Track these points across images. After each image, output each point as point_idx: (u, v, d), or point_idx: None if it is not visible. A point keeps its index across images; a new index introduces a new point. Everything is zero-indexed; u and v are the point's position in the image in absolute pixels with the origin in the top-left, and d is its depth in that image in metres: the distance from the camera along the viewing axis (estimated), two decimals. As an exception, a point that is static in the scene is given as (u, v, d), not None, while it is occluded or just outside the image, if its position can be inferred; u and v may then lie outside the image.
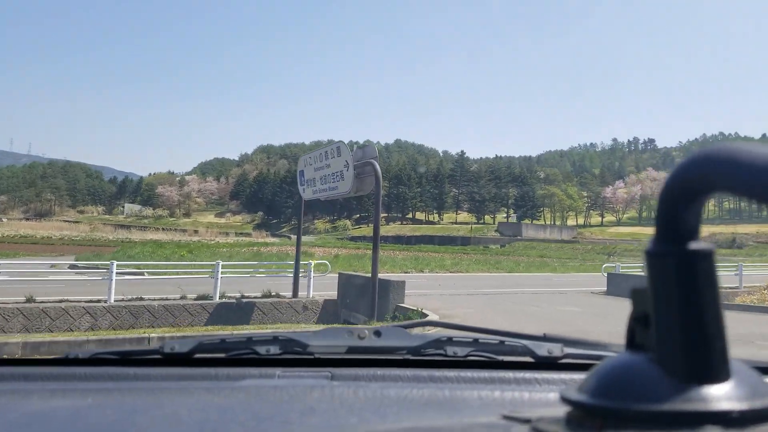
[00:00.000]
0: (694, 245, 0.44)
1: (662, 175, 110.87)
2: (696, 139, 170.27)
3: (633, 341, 0.49)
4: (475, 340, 1.24)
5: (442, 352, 1.20)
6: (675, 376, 0.44)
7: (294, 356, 1.20)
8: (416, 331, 1.31)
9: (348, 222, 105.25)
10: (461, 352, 1.20)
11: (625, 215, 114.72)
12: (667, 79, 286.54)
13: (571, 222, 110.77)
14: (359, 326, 1.30)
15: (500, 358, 1.19)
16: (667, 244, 0.45)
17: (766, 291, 15.14)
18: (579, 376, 0.52)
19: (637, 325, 0.49)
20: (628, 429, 0.43)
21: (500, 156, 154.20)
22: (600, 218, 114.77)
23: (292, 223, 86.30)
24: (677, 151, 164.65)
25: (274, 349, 1.21)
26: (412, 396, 0.90)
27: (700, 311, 0.44)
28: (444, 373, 1.07)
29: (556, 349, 1.17)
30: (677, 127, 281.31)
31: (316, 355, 1.20)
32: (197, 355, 1.19)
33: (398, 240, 68.90)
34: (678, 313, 0.44)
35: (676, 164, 0.45)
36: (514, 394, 0.92)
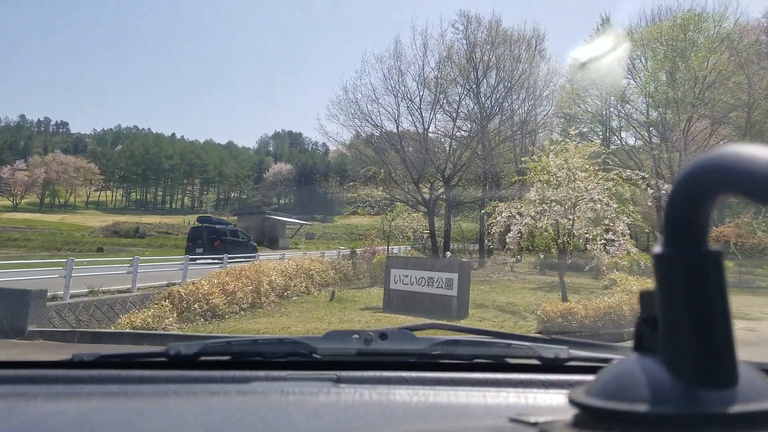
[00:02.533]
0: (703, 248, 0.44)
1: (71, 160, 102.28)
2: (111, 128, 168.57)
3: (641, 344, 0.49)
4: (482, 343, 1.23)
5: (448, 354, 1.18)
6: (683, 378, 0.44)
7: (300, 359, 1.18)
8: (422, 333, 1.28)
9: None
10: (468, 354, 1.18)
11: (24, 200, 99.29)
12: (87, 68, 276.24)
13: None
14: (365, 329, 1.22)
15: (507, 360, 1.18)
16: (676, 247, 0.44)
17: (163, 304, 10.08)
18: (586, 379, 0.53)
19: (645, 327, 0.48)
20: None
21: None
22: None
23: None
24: (90, 138, 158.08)
25: (280, 352, 1.19)
26: (419, 399, 0.91)
27: (709, 314, 0.43)
28: (451, 376, 1.05)
29: (563, 352, 1.14)
30: (93, 114, 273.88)
31: (323, 358, 1.17)
32: (203, 358, 1.17)
33: None
34: (687, 315, 0.44)
35: (684, 168, 0.45)
36: (521, 396, 0.93)
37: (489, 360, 1.16)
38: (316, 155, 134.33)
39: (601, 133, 32.72)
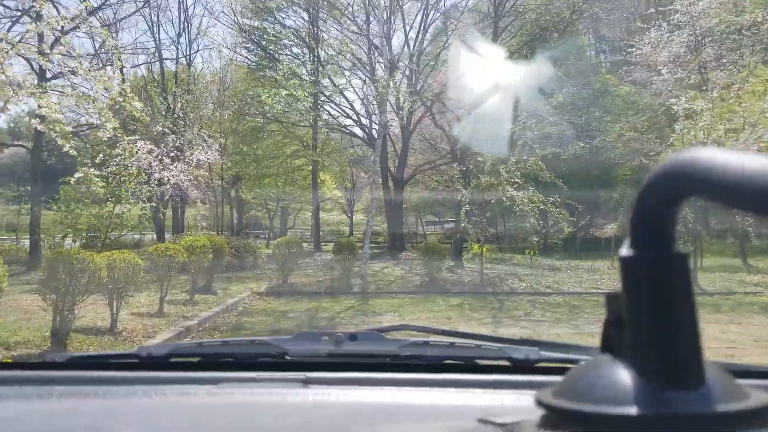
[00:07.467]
0: (669, 250, 0.44)
1: None
2: None
3: (608, 345, 0.49)
4: (452, 344, 1.23)
5: (418, 356, 1.17)
6: (650, 379, 0.43)
7: (270, 360, 1.18)
8: (392, 335, 1.28)
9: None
10: (438, 356, 1.18)
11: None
12: None
13: None
14: (336, 331, 1.23)
15: (477, 361, 1.17)
16: (642, 249, 0.45)
17: None
18: (555, 380, 0.55)
19: (612, 329, 0.49)
20: None
21: None
22: None
23: None
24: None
25: (250, 353, 1.19)
26: (387, 400, 0.90)
27: (676, 315, 0.44)
28: (420, 377, 1.05)
29: (533, 353, 1.14)
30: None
31: (292, 359, 1.17)
32: (174, 359, 1.17)
33: None
34: (653, 317, 0.44)
35: (653, 170, 0.45)
36: (490, 397, 0.92)
37: (459, 361, 1.16)
38: None
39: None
